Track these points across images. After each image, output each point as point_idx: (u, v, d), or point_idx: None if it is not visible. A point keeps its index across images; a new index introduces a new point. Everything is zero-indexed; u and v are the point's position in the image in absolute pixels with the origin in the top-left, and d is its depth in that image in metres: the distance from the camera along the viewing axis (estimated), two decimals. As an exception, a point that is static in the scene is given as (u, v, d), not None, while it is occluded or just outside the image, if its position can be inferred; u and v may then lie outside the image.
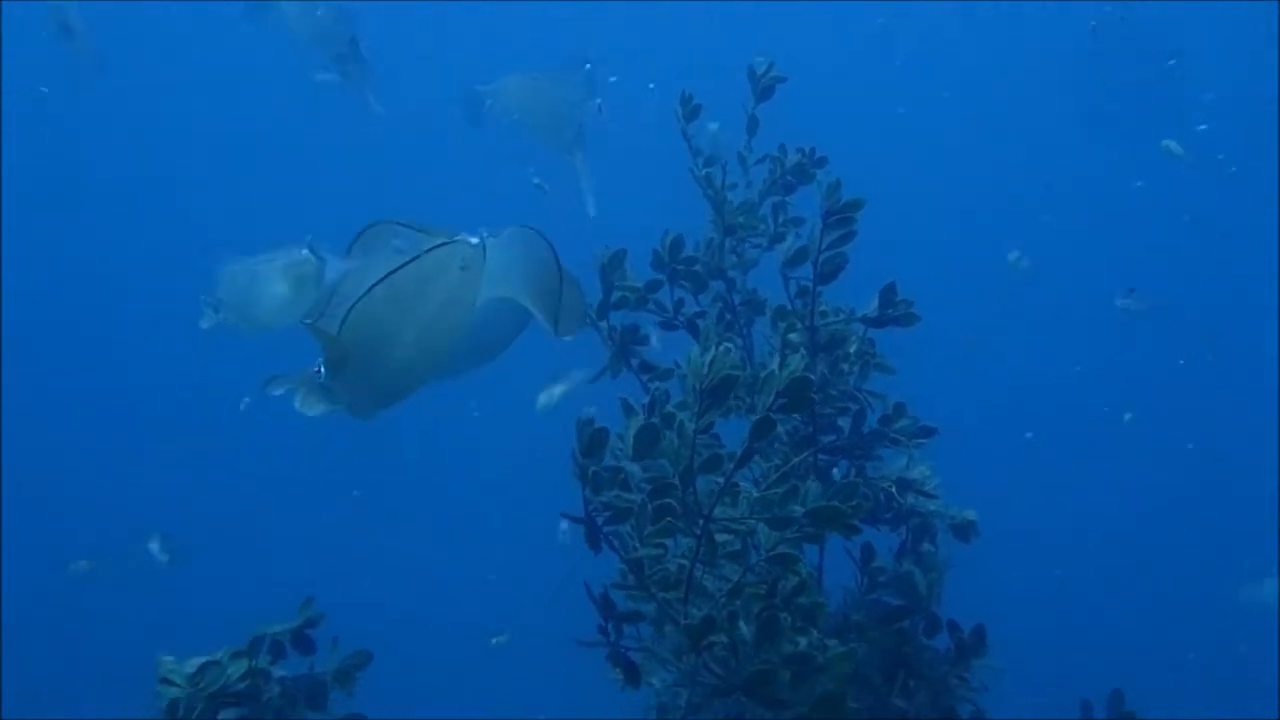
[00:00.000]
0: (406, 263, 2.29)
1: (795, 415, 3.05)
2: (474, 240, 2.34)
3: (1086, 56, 13.21)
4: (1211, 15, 14.00)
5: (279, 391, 2.42)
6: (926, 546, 3.09)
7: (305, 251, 3.27)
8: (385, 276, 2.27)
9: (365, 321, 2.28)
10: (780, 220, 3.23)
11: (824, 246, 2.85)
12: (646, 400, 2.59)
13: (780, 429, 2.96)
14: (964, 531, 3.11)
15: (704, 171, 3.21)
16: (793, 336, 2.94)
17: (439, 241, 2.33)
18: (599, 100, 4.77)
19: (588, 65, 4.74)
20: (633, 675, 2.53)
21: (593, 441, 2.35)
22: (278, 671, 2.73)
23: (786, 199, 3.26)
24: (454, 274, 2.31)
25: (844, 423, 3.03)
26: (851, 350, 2.95)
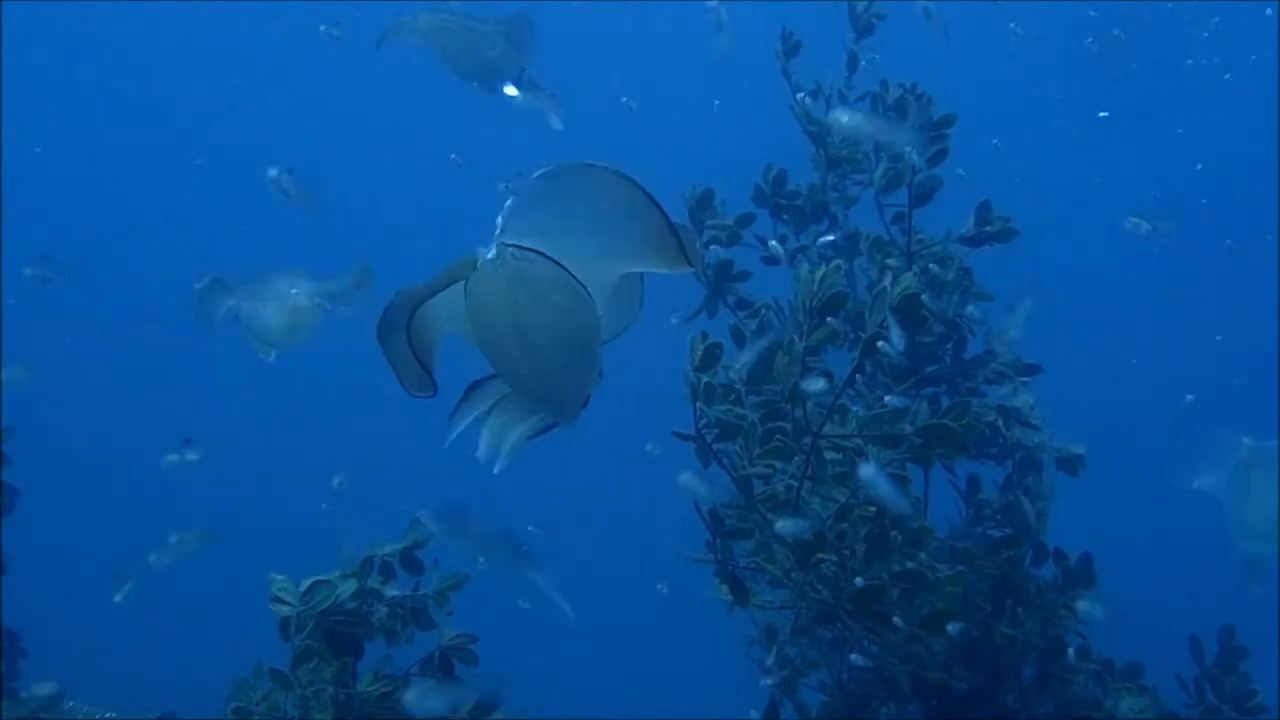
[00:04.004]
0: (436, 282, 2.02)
1: (898, 348, 3.06)
2: (489, 255, 1.99)
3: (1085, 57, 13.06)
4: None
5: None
6: (1032, 479, 3.07)
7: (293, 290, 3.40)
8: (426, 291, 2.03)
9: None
10: (880, 157, 3.22)
11: (918, 167, 2.85)
12: (755, 326, 2.62)
13: (882, 358, 2.96)
14: (1071, 465, 3.09)
15: (804, 102, 3.21)
16: (891, 262, 2.93)
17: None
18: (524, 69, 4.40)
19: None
20: (740, 592, 2.56)
21: (707, 355, 2.37)
22: (389, 592, 2.80)
23: (888, 135, 3.24)
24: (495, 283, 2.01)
25: (945, 351, 3.03)
26: (949, 278, 2.93)
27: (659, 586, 2.54)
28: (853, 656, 2.84)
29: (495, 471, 2.18)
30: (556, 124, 4.47)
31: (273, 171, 4.28)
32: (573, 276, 1.99)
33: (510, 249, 1.96)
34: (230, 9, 14.40)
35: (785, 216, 3.17)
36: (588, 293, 2.02)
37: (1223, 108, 13.77)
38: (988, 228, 2.92)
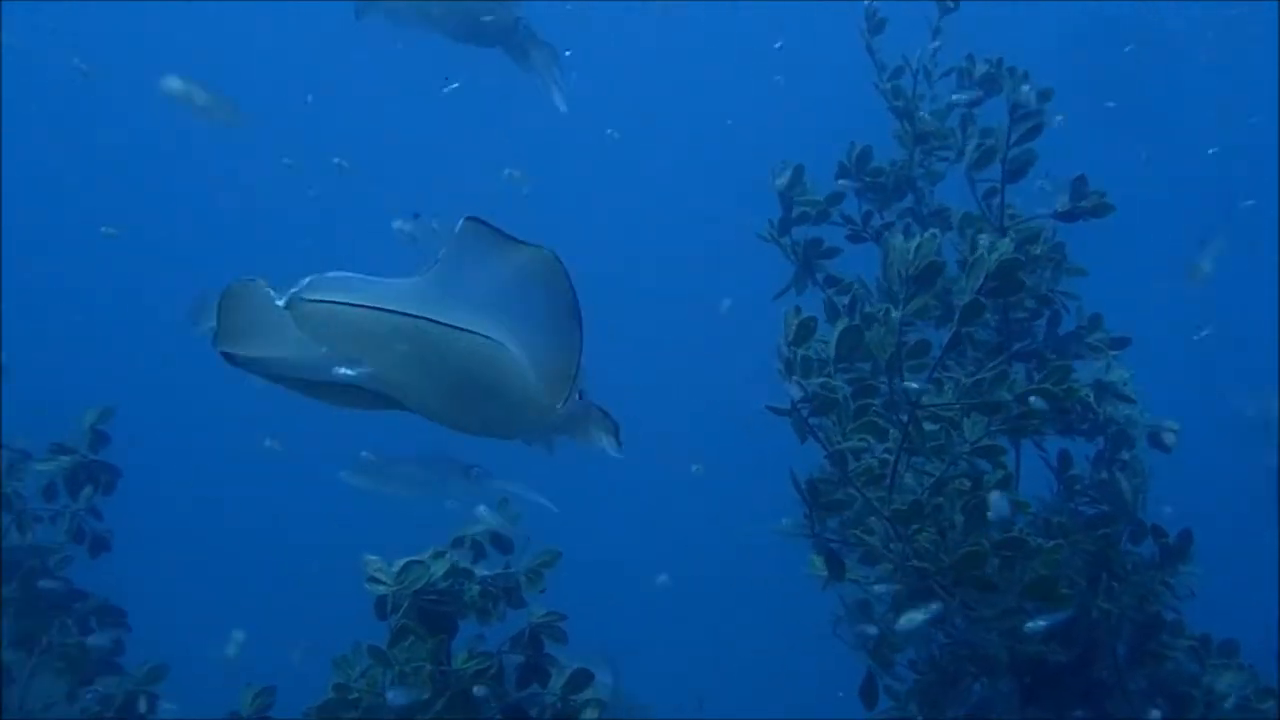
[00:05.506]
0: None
1: (990, 325, 3.05)
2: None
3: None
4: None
5: None
6: (1124, 455, 3.04)
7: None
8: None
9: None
10: (969, 132, 3.19)
11: (1012, 142, 2.82)
12: (847, 301, 2.62)
13: (976, 331, 2.95)
14: (1163, 440, 3.05)
15: (890, 84, 3.20)
16: (982, 239, 2.91)
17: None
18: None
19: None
20: (835, 565, 2.55)
21: (801, 329, 2.37)
22: (480, 571, 2.84)
23: (974, 110, 3.22)
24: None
25: (1039, 326, 3.01)
26: (1037, 252, 2.89)
27: (782, 522, 2.53)
28: (938, 634, 2.83)
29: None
30: (562, 105, 4.31)
31: (398, 223, 4.14)
32: (440, 324, 1.94)
33: (304, 301, 1.89)
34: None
35: (870, 194, 3.15)
36: (474, 334, 1.97)
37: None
38: (1083, 203, 2.88)
